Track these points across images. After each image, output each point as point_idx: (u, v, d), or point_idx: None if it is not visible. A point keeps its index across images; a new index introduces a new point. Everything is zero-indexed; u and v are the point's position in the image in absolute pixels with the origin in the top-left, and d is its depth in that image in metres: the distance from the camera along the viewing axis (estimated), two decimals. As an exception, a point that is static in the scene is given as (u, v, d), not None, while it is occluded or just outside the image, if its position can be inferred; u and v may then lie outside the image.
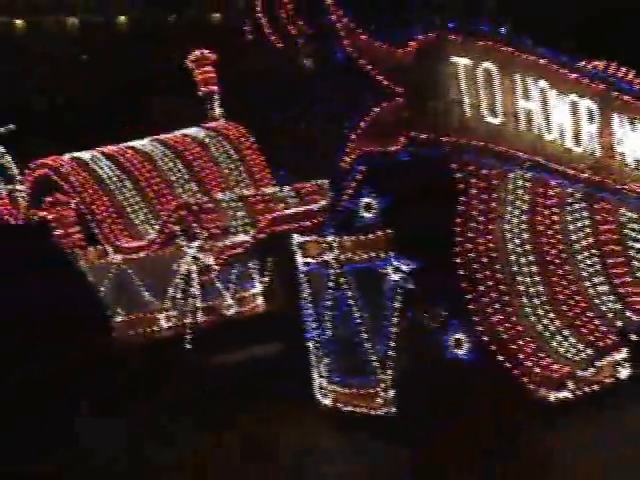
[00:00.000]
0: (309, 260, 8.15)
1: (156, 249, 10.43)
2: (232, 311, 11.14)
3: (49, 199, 11.50)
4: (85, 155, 11.71)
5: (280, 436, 7.92)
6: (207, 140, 12.18)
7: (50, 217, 11.51)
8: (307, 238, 8.18)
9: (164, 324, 10.96)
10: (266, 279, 11.55)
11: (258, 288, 11.55)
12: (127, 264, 10.89)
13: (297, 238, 8.32)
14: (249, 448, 7.79)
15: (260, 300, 11.57)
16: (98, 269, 11.13)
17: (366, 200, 7.50)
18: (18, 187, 12.21)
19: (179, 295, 10.58)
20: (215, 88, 12.44)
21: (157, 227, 10.71)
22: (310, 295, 8.27)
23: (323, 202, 9.24)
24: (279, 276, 11.21)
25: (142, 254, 10.63)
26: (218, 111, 12.59)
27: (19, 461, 7.81)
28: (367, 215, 7.53)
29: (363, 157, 7.26)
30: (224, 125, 12.43)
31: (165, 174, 11.71)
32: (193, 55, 12.43)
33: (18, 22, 30.18)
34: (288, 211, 9.49)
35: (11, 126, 12.75)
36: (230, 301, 11.08)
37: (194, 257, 9.76)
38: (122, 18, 31.15)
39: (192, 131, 12.40)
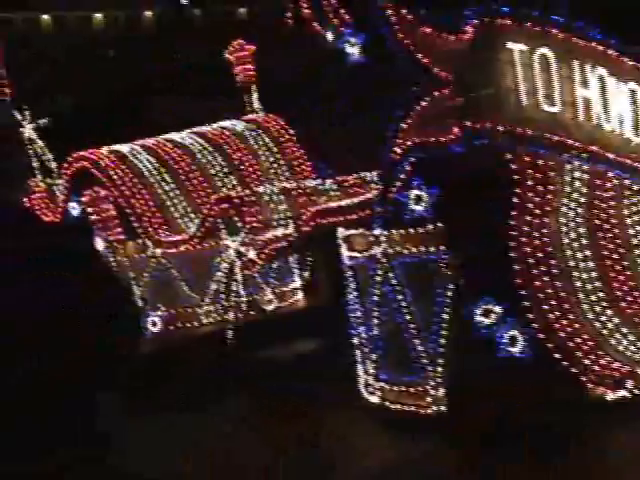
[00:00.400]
0: (355, 254, 7.96)
1: (197, 243, 10.29)
2: (272, 306, 10.99)
3: (88, 193, 11.41)
4: (124, 148, 11.58)
5: (324, 434, 7.80)
6: (246, 133, 11.99)
7: (89, 211, 11.43)
8: (353, 231, 8.00)
9: (204, 319, 10.84)
10: (306, 273, 11.39)
11: (298, 282, 11.40)
12: (167, 258, 10.77)
13: (342, 232, 8.14)
14: (290, 446, 7.67)
15: (300, 295, 11.41)
16: (137, 263, 11.02)
17: (416, 192, 7.30)
18: (57, 181, 12.14)
19: (221, 290, 10.45)
20: (254, 80, 12.25)
21: (197, 221, 10.57)
22: (356, 290, 8.09)
23: (367, 195, 9.05)
24: (321, 270, 11.04)
25: (182, 248, 10.49)
26: (257, 103, 12.41)
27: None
28: (417, 208, 7.32)
29: (414, 148, 7.05)
30: (263, 118, 12.25)
31: (204, 167, 11.55)
32: (231, 46, 12.24)
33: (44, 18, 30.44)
34: (331, 204, 9.32)
35: (46, 119, 12.66)
36: (270, 296, 10.93)
37: (238, 251, 9.63)
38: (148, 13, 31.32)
39: (231, 124, 12.22)
